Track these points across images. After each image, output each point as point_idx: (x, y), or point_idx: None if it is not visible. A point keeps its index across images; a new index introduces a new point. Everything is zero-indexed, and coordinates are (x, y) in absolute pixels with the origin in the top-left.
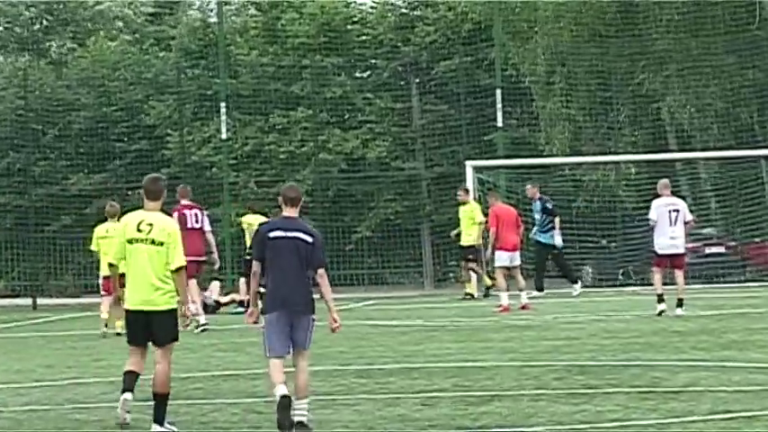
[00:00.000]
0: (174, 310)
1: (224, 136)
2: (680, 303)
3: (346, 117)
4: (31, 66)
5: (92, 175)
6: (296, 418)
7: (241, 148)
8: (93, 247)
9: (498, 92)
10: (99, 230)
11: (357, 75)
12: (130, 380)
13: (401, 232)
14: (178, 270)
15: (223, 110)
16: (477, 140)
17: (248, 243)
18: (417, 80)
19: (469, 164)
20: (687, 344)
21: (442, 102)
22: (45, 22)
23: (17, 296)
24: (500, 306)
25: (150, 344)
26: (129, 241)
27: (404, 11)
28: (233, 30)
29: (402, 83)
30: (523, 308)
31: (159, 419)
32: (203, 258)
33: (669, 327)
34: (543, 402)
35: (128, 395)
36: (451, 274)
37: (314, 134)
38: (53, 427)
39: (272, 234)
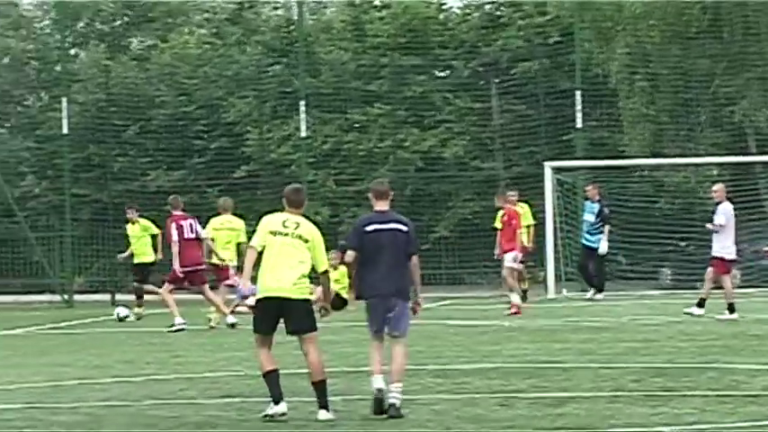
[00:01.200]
0: (308, 301)
1: (303, 134)
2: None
3: (425, 116)
4: (112, 60)
5: (171, 172)
6: (390, 401)
7: (320, 146)
8: (206, 235)
9: (578, 93)
10: (214, 222)
11: (437, 74)
12: (277, 382)
13: (479, 232)
14: (324, 273)
15: (302, 108)
16: (555, 141)
17: None
18: (497, 80)
19: (548, 164)
20: (766, 347)
21: (520, 102)
22: (126, 18)
23: (96, 292)
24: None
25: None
26: (273, 233)
27: (487, 12)
28: (315, 27)
29: (481, 83)
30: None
31: (325, 405)
32: (204, 267)
33: (747, 330)
34: (620, 404)
35: (284, 406)
36: (529, 275)
37: (392, 132)
38: (131, 422)
39: (368, 228)
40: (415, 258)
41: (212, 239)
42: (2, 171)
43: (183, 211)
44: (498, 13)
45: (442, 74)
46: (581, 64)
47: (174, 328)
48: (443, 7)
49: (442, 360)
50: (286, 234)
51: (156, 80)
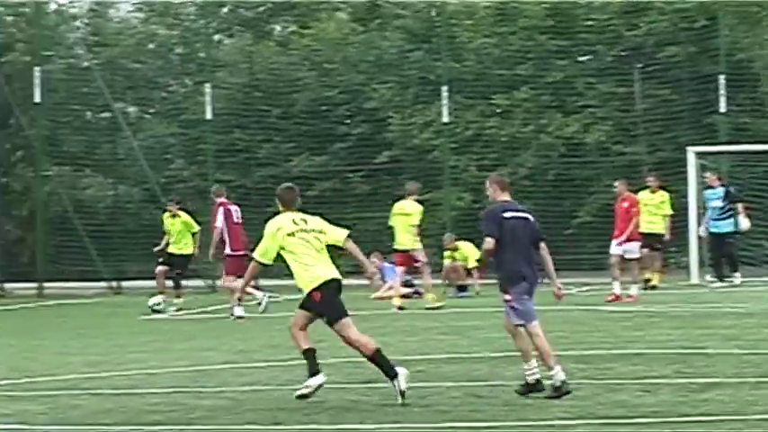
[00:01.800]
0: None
1: (445, 119)
2: None
3: (567, 101)
4: (255, 46)
5: (313, 158)
6: (555, 383)
7: (462, 131)
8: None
9: (722, 78)
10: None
11: (579, 59)
12: (316, 357)
13: None
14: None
15: (445, 93)
16: (698, 126)
17: None
18: (640, 65)
19: (691, 149)
20: None
21: (663, 87)
22: (269, 4)
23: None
24: (612, 295)
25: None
26: (290, 234)
27: None
28: (458, 12)
29: (625, 67)
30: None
31: (394, 374)
32: (247, 255)
33: None
34: (764, 391)
35: (322, 377)
36: (672, 260)
37: (535, 118)
38: (274, 407)
39: (506, 215)
40: (543, 245)
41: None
42: (147, 157)
43: (228, 198)
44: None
45: (585, 58)
46: (725, 48)
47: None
48: None
49: (584, 346)
50: (303, 230)
51: (299, 65)
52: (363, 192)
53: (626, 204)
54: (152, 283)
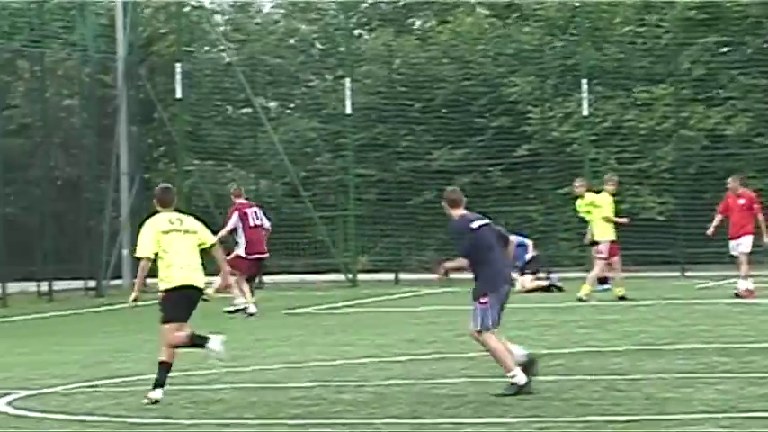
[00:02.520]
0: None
1: (585, 112)
2: None
3: (709, 93)
4: (395, 41)
5: (453, 151)
6: (519, 382)
7: (601, 123)
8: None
9: None
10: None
11: (721, 51)
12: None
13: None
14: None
15: (584, 86)
16: None
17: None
18: None
19: None
20: None
21: None
22: None
23: (380, 271)
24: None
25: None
26: (165, 233)
27: None
28: (599, 3)
29: (767, 59)
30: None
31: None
32: (266, 256)
33: None
34: None
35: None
36: None
37: (676, 111)
38: (414, 401)
39: (474, 225)
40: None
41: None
42: (288, 151)
43: (247, 199)
44: None
45: (726, 49)
46: None
47: (233, 309)
48: None
49: (726, 339)
50: (177, 230)
51: (439, 59)
52: (503, 185)
53: (742, 201)
54: (293, 277)
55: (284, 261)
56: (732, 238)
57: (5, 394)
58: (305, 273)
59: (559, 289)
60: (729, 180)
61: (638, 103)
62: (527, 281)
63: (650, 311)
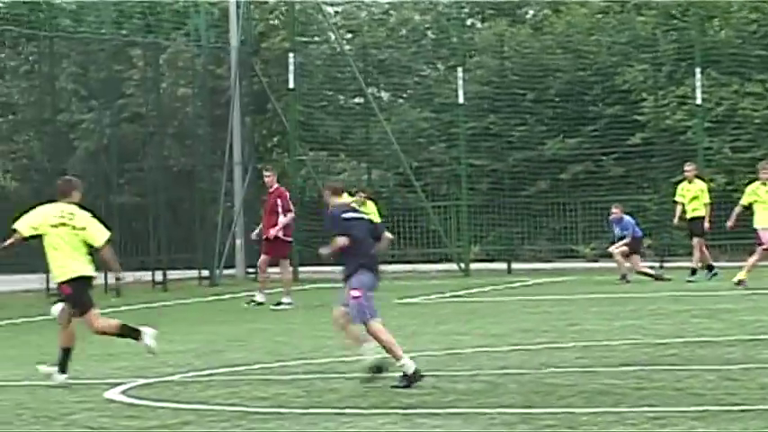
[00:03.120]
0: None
1: (698, 101)
2: None
3: None
4: (509, 31)
5: (566, 140)
6: (407, 371)
7: (715, 111)
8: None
9: None
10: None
11: None
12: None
13: None
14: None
15: (698, 75)
16: None
17: None
18: None
19: None
20: None
21: None
22: None
23: (492, 260)
24: None
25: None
26: (54, 226)
27: None
28: None
29: None
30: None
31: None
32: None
33: None
34: None
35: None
36: None
37: None
38: (527, 390)
39: (346, 215)
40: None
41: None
42: (400, 141)
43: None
44: None
45: None
46: None
47: (280, 307)
48: None
49: None
50: (64, 224)
51: (552, 48)
52: (616, 174)
53: None
54: (406, 266)
55: (397, 251)
56: None
57: (121, 383)
58: (418, 262)
59: (667, 279)
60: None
61: (754, 90)
62: (637, 260)
63: (765, 300)
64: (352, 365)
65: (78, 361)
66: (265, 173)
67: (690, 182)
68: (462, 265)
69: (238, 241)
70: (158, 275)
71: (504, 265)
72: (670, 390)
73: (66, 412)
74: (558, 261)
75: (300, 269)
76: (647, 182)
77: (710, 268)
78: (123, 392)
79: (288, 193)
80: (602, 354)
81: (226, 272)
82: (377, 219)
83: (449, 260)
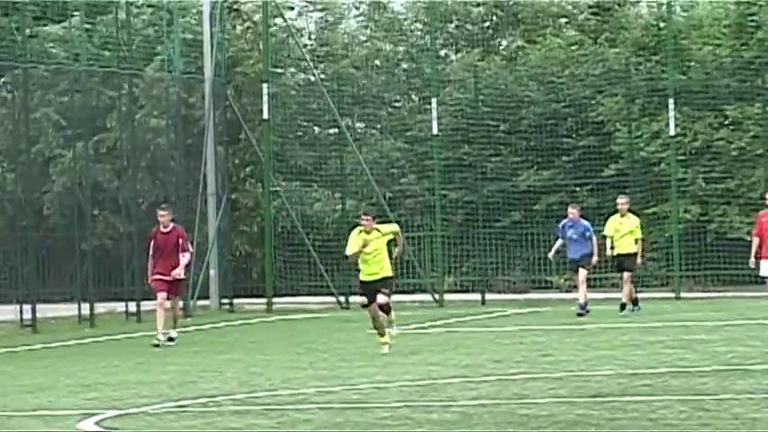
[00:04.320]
0: None
1: (672, 132)
2: None
3: None
4: (481, 62)
5: (540, 171)
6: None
7: (690, 143)
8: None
9: None
10: None
11: None
12: None
13: None
14: None
15: (671, 105)
16: None
17: None
18: None
19: None
20: None
21: None
22: (495, 19)
23: (466, 291)
24: None
25: None
26: None
27: None
28: (686, 24)
29: None
30: None
31: None
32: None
33: None
34: None
35: None
36: None
37: (766, 130)
38: (501, 421)
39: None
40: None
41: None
42: (373, 172)
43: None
44: None
45: None
46: None
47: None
48: None
49: None
50: None
51: (526, 79)
52: (590, 205)
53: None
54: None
55: None
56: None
57: (93, 414)
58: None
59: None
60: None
61: (728, 122)
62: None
63: (738, 331)
64: (327, 396)
65: (52, 391)
66: (161, 212)
67: (622, 215)
68: (436, 296)
69: (212, 271)
70: (132, 306)
71: (478, 296)
72: (644, 420)
73: None
74: (533, 292)
75: (275, 300)
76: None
77: (635, 302)
78: (97, 423)
79: (185, 233)
80: (576, 384)
81: (199, 303)
82: (396, 229)
83: (423, 291)
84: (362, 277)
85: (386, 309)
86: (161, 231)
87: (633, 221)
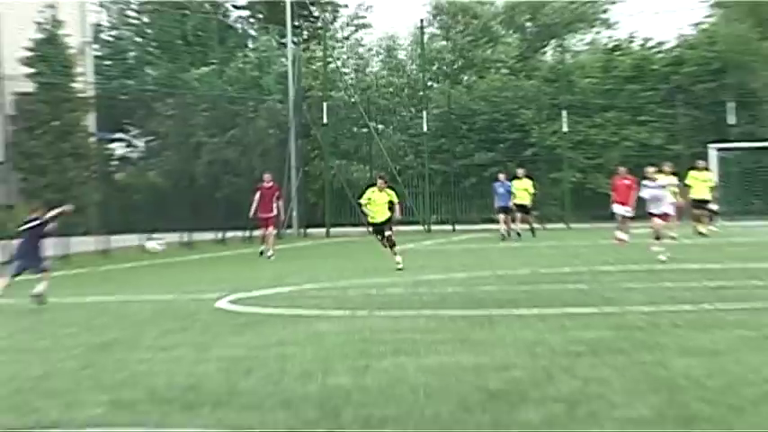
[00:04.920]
0: None
1: (565, 129)
2: None
3: (640, 117)
4: (452, 89)
5: (487, 153)
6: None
7: (575, 137)
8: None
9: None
10: None
11: (642, 94)
12: None
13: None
14: None
15: (564, 114)
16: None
17: None
18: (681, 97)
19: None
20: None
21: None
22: (459, 63)
23: (444, 224)
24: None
25: None
26: None
27: None
28: (573, 65)
29: (671, 100)
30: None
31: None
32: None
33: None
34: None
35: None
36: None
37: (619, 128)
38: (466, 300)
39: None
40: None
41: None
42: (388, 154)
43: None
44: None
45: (650, 93)
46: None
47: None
48: None
49: None
50: None
51: (477, 99)
52: (514, 173)
53: (627, 182)
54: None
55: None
56: (620, 203)
57: (224, 296)
58: (398, 224)
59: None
60: (621, 169)
61: (597, 124)
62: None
63: (598, 247)
64: (361, 288)
65: (199, 284)
66: (266, 175)
67: (521, 179)
68: (426, 227)
69: (294, 212)
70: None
71: (450, 227)
72: (544, 294)
73: (194, 312)
74: (483, 224)
75: (331, 230)
76: (535, 177)
77: (533, 231)
78: (229, 302)
79: (279, 189)
80: (509, 277)
81: (288, 231)
82: (395, 199)
83: (417, 223)
84: (372, 221)
85: (391, 243)
86: (264, 186)
87: (527, 183)
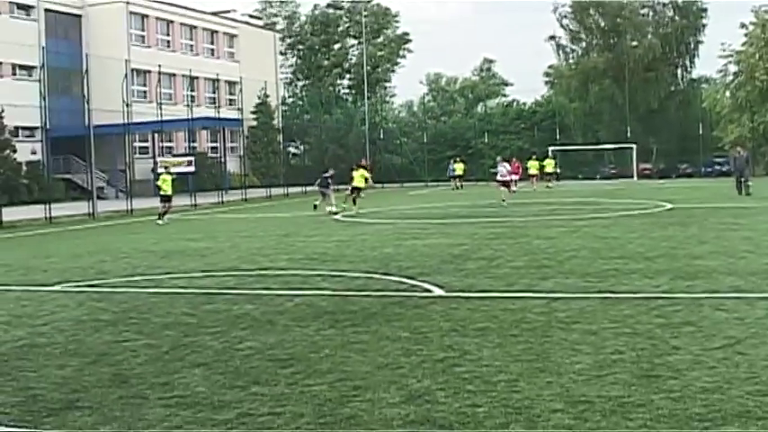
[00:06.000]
0: None
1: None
2: None
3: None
4: (437, 121)
5: (456, 151)
6: None
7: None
8: None
9: None
10: None
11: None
12: None
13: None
14: None
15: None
16: None
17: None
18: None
19: None
20: None
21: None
22: (434, 104)
23: (436, 182)
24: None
25: None
26: None
27: None
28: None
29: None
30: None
31: None
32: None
33: None
34: None
35: None
36: None
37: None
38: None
39: None
40: None
41: None
42: (408, 149)
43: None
44: None
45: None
46: None
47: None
48: None
49: None
50: None
51: (465, 127)
52: (460, 158)
53: (516, 165)
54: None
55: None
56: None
57: (341, 213)
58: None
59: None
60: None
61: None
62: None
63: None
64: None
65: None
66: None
67: (456, 162)
68: (425, 185)
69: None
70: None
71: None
72: (478, 214)
73: (323, 221)
74: (445, 182)
75: (386, 185)
76: (467, 159)
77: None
78: (342, 216)
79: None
80: (472, 206)
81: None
82: (368, 175)
83: (421, 181)
84: (354, 185)
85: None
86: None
87: (461, 165)
